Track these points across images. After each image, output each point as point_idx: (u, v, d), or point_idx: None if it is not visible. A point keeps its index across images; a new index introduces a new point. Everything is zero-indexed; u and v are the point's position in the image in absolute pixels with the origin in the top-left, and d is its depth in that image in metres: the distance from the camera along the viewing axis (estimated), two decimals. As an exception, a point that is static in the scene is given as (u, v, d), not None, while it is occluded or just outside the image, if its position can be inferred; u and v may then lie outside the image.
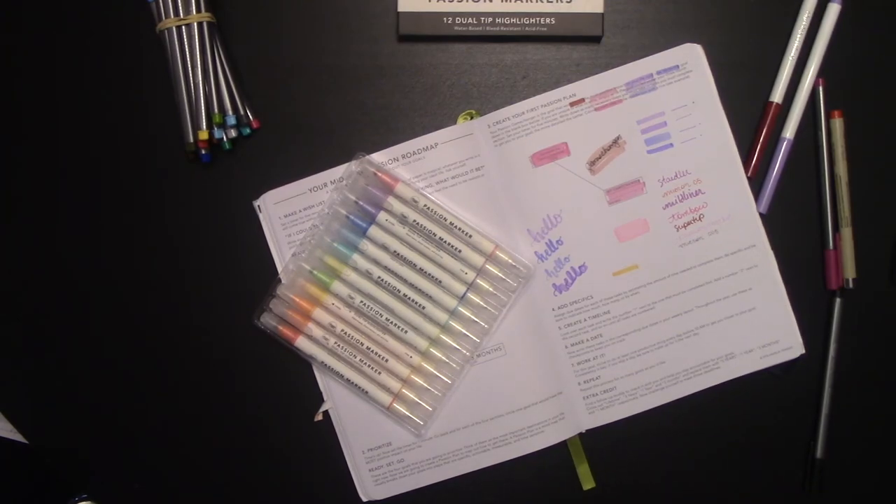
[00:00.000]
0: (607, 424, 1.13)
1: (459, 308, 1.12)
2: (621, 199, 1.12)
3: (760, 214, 1.12)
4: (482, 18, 1.13)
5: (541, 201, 1.12)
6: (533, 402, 1.13)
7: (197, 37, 1.11)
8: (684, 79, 1.11)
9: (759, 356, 1.13)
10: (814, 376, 1.15)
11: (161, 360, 1.16)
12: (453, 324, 1.13)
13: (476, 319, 1.13)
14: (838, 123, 1.13)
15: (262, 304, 1.13)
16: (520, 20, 1.13)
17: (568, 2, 1.13)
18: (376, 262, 1.12)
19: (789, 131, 1.14)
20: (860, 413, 1.15)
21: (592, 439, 1.14)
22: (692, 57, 1.12)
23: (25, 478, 1.20)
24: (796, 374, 1.14)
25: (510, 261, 1.12)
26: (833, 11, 1.14)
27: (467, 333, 1.13)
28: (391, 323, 1.12)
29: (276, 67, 1.16)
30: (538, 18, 1.13)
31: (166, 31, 1.11)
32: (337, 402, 1.14)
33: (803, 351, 1.12)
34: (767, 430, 1.16)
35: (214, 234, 1.15)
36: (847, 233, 1.14)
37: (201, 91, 1.12)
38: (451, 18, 1.13)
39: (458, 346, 1.13)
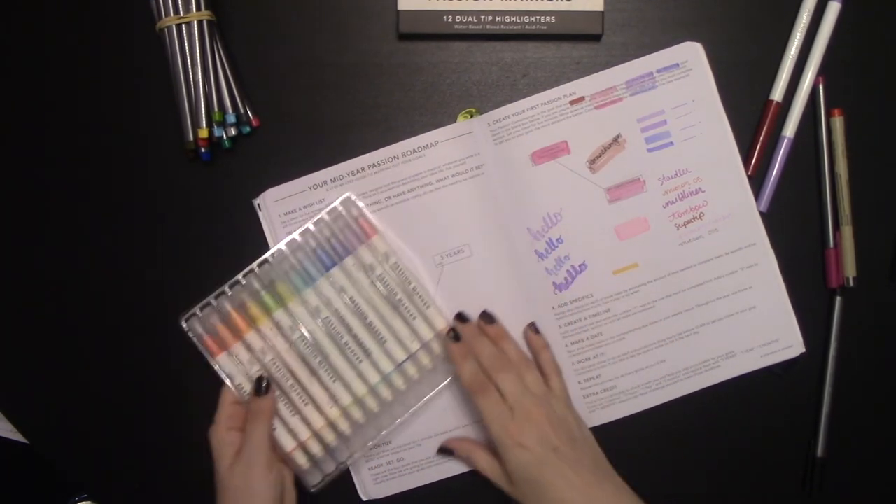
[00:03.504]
0: (607, 423, 1.14)
1: (393, 375, 1.11)
2: (621, 197, 1.12)
3: (761, 213, 1.12)
4: (482, 17, 1.13)
5: (541, 200, 1.12)
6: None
7: (197, 35, 1.11)
8: (684, 77, 1.12)
9: (759, 355, 1.13)
10: (814, 375, 1.15)
11: (161, 360, 1.16)
12: (381, 389, 1.11)
13: (404, 391, 1.12)
14: (838, 122, 1.13)
15: (193, 307, 1.11)
16: (520, 18, 1.13)
17: (568, 0, 1.13)
18: (328, 303, 1.10)
19: (789, 130, 1.14)
20: (860, 412, 1.15)
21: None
22: (692, 55, 1.12)
23: (25, 478, 1.20)
24: (797, 372, 1.14)
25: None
26: (833, 10, 1.14)
27: (387, 405, 1.12)
28: (322, 367, 1.10)
29: (276, 66, 1.16)
30: (538, 17, 1.13)
31: (166, 30, 1.11)
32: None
33: (803, 350, 1.13)
34: (767, 430, 1.16)
35: (214, 232, 1.15)
36: (847, 231, 1.14)
37: (201, 89, 1.12)
38: (451, 17, 1.13)
39: (375, 413, 1.12)
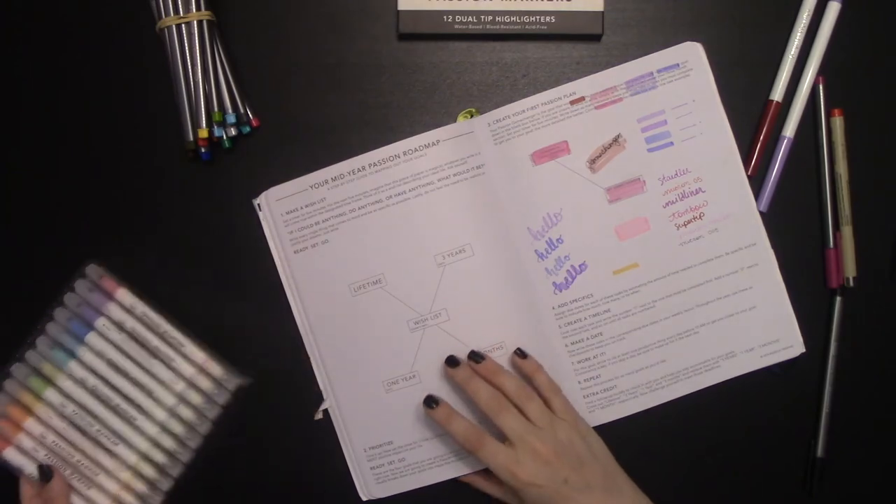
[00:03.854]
0: (607, 423, 1.13)
1: (171, 421, 1.13)
2: (621, 197, 1.11)
3: (761, 213, 1.12)
4: (482, 17, 1.13)
5: (541, 200, 1.12)
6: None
7: (197, 35, 1.11)
8: (685, 77, 1.11)
9: (759, 355, 1.13)
10: (814, 375, 1.15)
11: (161, 359, 1.16)
12: (163, 439, 1.13)
13: (186, 432, 1.13)
14: (838, 122, 1.13)
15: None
16: (520, 18, 1.13)
17: (568, 0, 1.13)
18: (92, 371, 1.12)
19: (789, 130, 1.14)
20: (860, 412, 1.15)
21: (592, 438, 1.14)
22: (693, 55, 1.12)
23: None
24: (797, 372, 1.14)
25: (221, 373, 1.14)
26: (833, 10, 1.14)
27: (174, 452, 1.14)
28: (101, 434, 1.12)
29: (276, 65, 1.16)
30: (538, 17, 1.13)
31: (166, 30, 1.11)
32: (337, 400, 1.14)
33: (804, 349, 1.12)
34: (767, 430, 1.16)
35: (214, 232, 1.15)
36: (847, 231, 1.14)
37: (201, 89, 1.12)
38: (451, 17, 1.13)
39: (167, 466, 1.14)
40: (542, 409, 1.07)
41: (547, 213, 1.11)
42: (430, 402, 1.09)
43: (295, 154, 1.15)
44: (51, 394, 1.11)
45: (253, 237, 1.14)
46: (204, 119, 1.12)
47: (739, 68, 1.14)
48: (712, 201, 1.11)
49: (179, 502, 1.16)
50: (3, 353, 1.13)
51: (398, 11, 1.14)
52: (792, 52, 1.14)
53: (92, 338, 1.11)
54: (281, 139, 1.16)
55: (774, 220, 1.12)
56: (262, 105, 1.16)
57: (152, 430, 1.12)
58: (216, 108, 1.12)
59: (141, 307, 1.12)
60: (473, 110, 1.14)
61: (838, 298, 1.14)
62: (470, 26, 1.14)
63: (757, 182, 1.14)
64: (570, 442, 1.05)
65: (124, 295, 1.12)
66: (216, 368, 1.13)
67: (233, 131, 1.14)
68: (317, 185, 1.12)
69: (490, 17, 1.13)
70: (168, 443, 1.12)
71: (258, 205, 1.13)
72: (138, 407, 1.12)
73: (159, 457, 1.13)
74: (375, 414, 1.15)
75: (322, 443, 1.15)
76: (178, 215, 1.16)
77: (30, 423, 1.11)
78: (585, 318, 1.12)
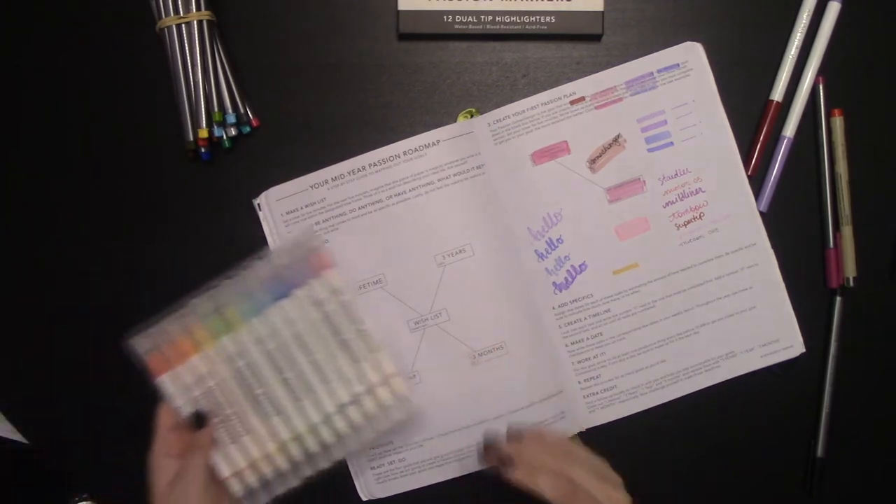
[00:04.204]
0: (607, 423, 1.14)
1: (335, 417, 1.09)
2: (621, 197, 1.12)
3: (761, 213, 1.12)
4: (482, 17, 1.13)
5: (541, 199, 1.12)
6: (533, 402, 1.13)
7: (197, 35, 1.11)
8: (685, 77, 1.12)
9: (759, 355, 1.13)
10: (814, 375, 1.15)
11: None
12: (322, 430, 1.09)
13: (344, 435, 1.10)
14: (838, 122, 1.13)
15: (142, 324, 1.08)
16: (520, 18, 1.13)
17: (568, 0, 1.13)
18: (275, 334, 1.08)
19: (789, 130, 1.14)
20: (860, 412, 1.15)
21: (592, 438, 1.14)
22: (693, 55, 1.12)
23: (25, 478, 1.20)
24: (797, 372, 1.14)
25: (404, 392, 1.10)
26: (833, 10, 1.14)
27: (327, 445, 1.10)
28: (263, 398, 1.08)
29: (276, 66, 1.16)
30: (538, 17, 1.13)
31: (166, 30, 1.11)
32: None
33: (804, 350, 1.13)
34: (767, 430, 1.16)
35: (214, 232, 1.15)
36: (847, 231, 1.14)
37: (201, 89, 1.12)
38: (451, 17, 1.13)
39: (313, 455, 1.09)
40: (587, 461, 1.04)
41: (547, 213, 1.12)
42: (507, 463, 1.02)
43: (295, 154, 1.15)
44: (227, 340, 1.07)
45: (253, 237, 1.14)
46: (204, 119, 1.12)
47: (739, 68, 1.14)
48: (712, 201, 1.12)
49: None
50: (189, 288, 1.11)
51: (398, 11, 1.14)
52: (792, 52, 1.14)
53: (287, 303, 1.08)
54: (281, 139, 1.16)
55: (774, 220, 1.13)
56: (262, 105, 1.16)
57: (315, 416, 1.08)
58: (216, 108, 1.12)
59: (348, 296, 1.08)
60: (473, 110, 1.14)
61: (838, 298, 1.14)
62: (470, 26, 1.14)
63: (757, 182, 1.14)
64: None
65: (334, 276, 1.09)
66: (400, 386, 1.10)
67: (233, 131, 1.14)
68: (317, 185, 1.12)
69: (490, 17, 1.13)
70: (326, 435, 1.09)
71: (258, 205, 1.13)
72: (309, 389, 1.08)
73: (311, 444, 1.09)
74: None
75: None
76: (178, 215, 1.16)
77: (196, 360, 1.07)
78: (585, 318, 1.13)
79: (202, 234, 1.16)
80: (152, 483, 1.03)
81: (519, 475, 1.01)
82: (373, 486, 1.15)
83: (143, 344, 1.07)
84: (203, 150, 1.13)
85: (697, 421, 1.15)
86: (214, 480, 1.05)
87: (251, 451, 1.08)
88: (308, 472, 1.09)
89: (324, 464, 1.10)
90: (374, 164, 1.11)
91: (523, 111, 1.11)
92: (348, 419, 1.09)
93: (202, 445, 1.05)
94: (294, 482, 1.09)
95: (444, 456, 1.15)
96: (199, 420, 1.06)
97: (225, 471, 1.07)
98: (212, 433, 1.06)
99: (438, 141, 1.11)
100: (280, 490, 1.10)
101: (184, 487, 1.02)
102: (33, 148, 1.16)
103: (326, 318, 1.08)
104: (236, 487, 1.07)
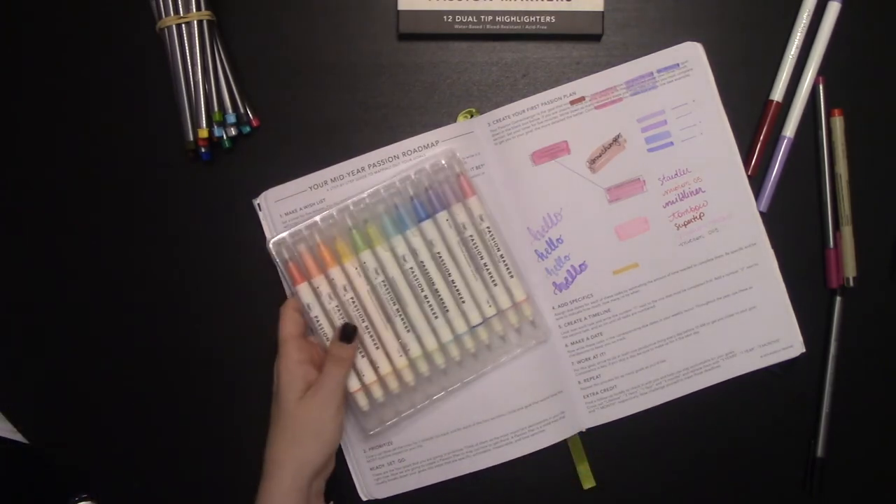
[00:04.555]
0: (607, 423, 1.13)
1: (465, 336, 1.11)
2: (621, 197, 1.12)
3: (761, 213, 1.12)
4: (482, 17, 1.13)
5: (541, 199, 1.12)
6: (533, 402, 1.13)
7: (197, 35, 1.11)
8: (685, 77, 1.12)
9: (759, 355, 1.13)
10: (814, 375, 1.15)
11: (161, 360, 1.16)
12: (451, 348, 1.11)
13: (473, 354, 1.12)
14: (838, 122, 1.13)
15: (285, 232, 1.10)
16: (520, 18, 1.13)
17: (568, 0, 1.13)
18: (415, 253, 1.09)
19: (789, 130, 1.14)
20: (860, 412, 1.16)
21: (593, 438, 1.14)
22: (693, 55, 1.12)
23: (25, 478, 1.20)
24: (797, 372, 1.14)
25: (532, 318, 1.12)
26: (833, 10, 1.14)
27: (457, 363, 1.12)
28: (398, 315, 1.09)
29: (276, 65, 1.16)
30: (538, 17, 1.13)
31: (166, 30, 1.11)
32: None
33: (803, 350, 1.13)
34: (767, 430, 1.16)
35: (214, 232, 1.15)
36: (847, 231, 1.14)
37: (201, 89, 1.12)
38: (451, 17, 1.13)
39: (443, 370, 1.12)
40: None
41: (547, 213, 1.12)
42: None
43: (295, 154, 1.15)
44: (367, 255, 1.09)
45: (253, 237, 1.14)
46: (204, 119, 1.12)
47: (739, 68, 1.14)
48: (712, 201, 1.12)
49: (182, 501, 1.17)
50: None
51: (398, 11, 1.14)
52: (792, 52, 1.14)
53: (428, 225, 1.10)
54: (281, 139, 1.16)
55: (774, 220, 1.12)
56: (263, 105, 1.16)
57: (447, 335, 1.10)
58: (216, 108, 1.12)
59: (488, 222, 1.10)
60: (473, 110, 1.14)
61: (838, 298, 1.14)
62: (470, 26, 1.14)
63: (757, 182, 1.14)
64: None
65: (475, 203, 1.10)
66: (529, 311, 1.12)
67: (233, 131, 1.14)
68: (316, 186, 1.12)
69: (490, 17, 1.13)
70: (455, 353, 1.11)
71: (258, 205, 1.13)
72: (443, 308, 1.10)
73: (441, 361, 1.11)
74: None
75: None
76: (178, 215, 1.16)
77: (335, 272, 1.09)
78: (585, 319, 1.13)
79: (202, 234, 1.16)
80: (283, 389, 1.04)
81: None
82: (372, 486, 1.15)
83: (283, 251, 1.09)
84: (203, 150, 1.13)
85: (697, 421, 1.15)
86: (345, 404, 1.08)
87: (381, 365, 1.10)
88: (435, 392, 1.12)
89: (450, 384, 1.12)
90: (374, 165, 1.11)
91: (523, 111, 1.11)
92: (478, 340, 1.12)
93: (346, 358, 1.06)
94: (420, 401, 1.12)
95: (444, 456, 1.14)
96: (347, 334, 1.06)
97: (353, 385, 1.09)
98: (356, 349, 1.08)
99: (438, 141, 1.11)
100: (404, 408, 1.12)
101: (323, 398, 1.03)
102: (33, 148, 1.16)
103: (464, 242, 1.10)
104: (362, 402, 1.10)
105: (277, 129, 1.16)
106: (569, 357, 1.13)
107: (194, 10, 1.11)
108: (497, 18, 1.13)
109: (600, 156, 1.11)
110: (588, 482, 1.16)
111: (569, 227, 1.12)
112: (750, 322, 1.13)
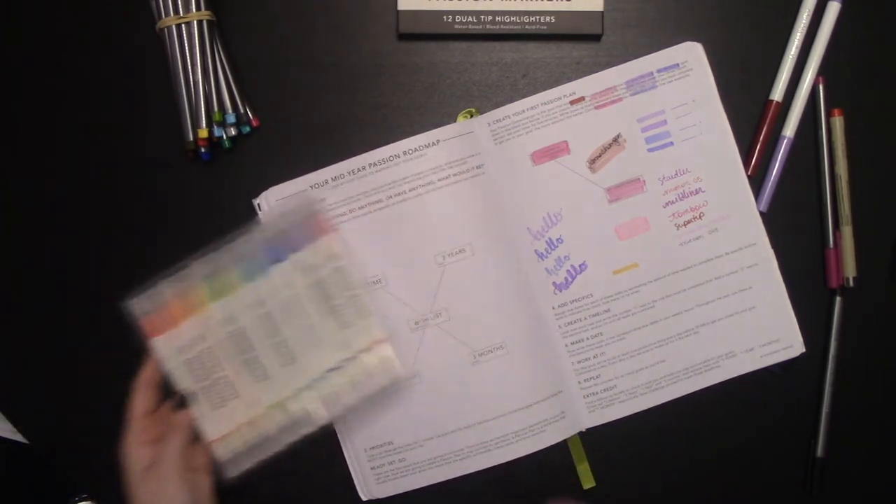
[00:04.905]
0: (607, 423, 1.13)
1: (321, 382, 1.10)
2: (621, 197, 1.11)
3: (761, 213, 1.12)
4: (482, 17, 1.13)
5: (541, 199, 1.12)
6: (533, 402, 1.13)
7: (197, 35, 1.11)
8: (685, 77, 1.11)
9: (759, 355, 1.13)
10: (814, 375, 1.15)
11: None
12: (307, 394, 1.10)
13: (330, 400, 1.11)
14: (838, 122, 1.13)
15: (141, 287, 1.09)
16: (520, 18, 1.13)
17: (568, 0, 1.13)
18: (268, 299, 1.09)
19: (789, 130, 1.14)
20: (861, 412, 1.16)
21: (593, 438, 1.14)
22: (693, 55, 1.12)
23: (25, 478, 1.20)
24: (797, 372, 1.14)
25: (392, 357, 1.11)
26: (833, 10, 1.14)
27: (311, 411, 1.11)
28: (253, 364, 1.09)
29: (276, 65, 1.16)
30: (538, 17, 1.13)
31: (166, 30, 1.12)
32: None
33: (803, 349, 1.12)
34: (767, 430, 1.16)
35: (214, 232, 1.15)
36: (847, 231, 1.14)
37: (201, 89, 1.12)
38: (450, 17, 1.13)
39: (299, 420, 1.11)
40: None
41: (547, 212, 1.11)
42: None
43: (295, 154, 1.15)
44: (221, 304, 1.09)
45: (253, 237, 1.14)
46: (204, 119, 1.12)
47: (739, 68, 1.14)
48: (712, 201, 1.11)
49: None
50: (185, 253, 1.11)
51: (398, 11, 1.14)
52: (792, 52, 1.14)
53: (283, 267, 1.09)
54: (281, 139, 1.16)
55: (774, 220, 1.12)
56: (262, 105, 1.16)
57: (302, 381, 1.10)
58: (216, 108, 1.12)
59: (343, 261, 1.09)
60: (473, 110, 1.14)
61: (838, 298, 1.14)
62: (470, 26, 1.14)
63: (757, 182, 1.14)
64: None
65: (332, 241, 1.10)
66: (388, 351, 1.11)
67: (233, 131, 1.14)
68: (317, 186, 1.12)
69: (490, 17, 1.13)
70: (311, 400, 1.10)
71: (258, 205, 1.13)
72: (298, 354, 1.09)
73: (297, 409, 1.10)
74: (376, 414, 1.14)
75: (323, 443, 1.15)
76: (178, 215, 1.16)
77: (189, 323, 1.08)
78: (585, 318, 1.12)
79: (202, 234, 1.15)
80: (126, 471, 1.04)
81: None
82: (373, 486, 1.15)
83: (138, 307, 1.08)
84: (203, 150, 1.14)
85: (697, 421, 1.15)
86: (191, 465, 1.06)
87: (237, 415, 1.09)
88: (293, 437, 1.10)
89: (309, 429, 1.10)
90: (375, 164, 1.11)
91: (523, 111, 1.11)
92: (334, 384, 1.10)
93: (181, 427, 1.06)
94: (278, 447, 1.10)
95: (444, 456, 1.14)
96: (181, 400, 1.07)
97: (211, 435, 1.08)
98: (191, 416, 1.07)
99: (438, 141, 1.11)
100: (264, 455, 1.10)
101: (165, 470, 1.03)
102: (33, 148, 1.16)
103: (319, 283, 1.09)
104: (221, 452, 1.08)
105: (277, 129, 1.16)
106: (569, 357, 1.13)
107: (194, 10, 1.11)
108: (497, 18, 1.13)
109: (600, 156, 1.11)
110: (588, 482, 1.16)
111: (569, 227, 1.12)
112: (750, 322, 1.12)
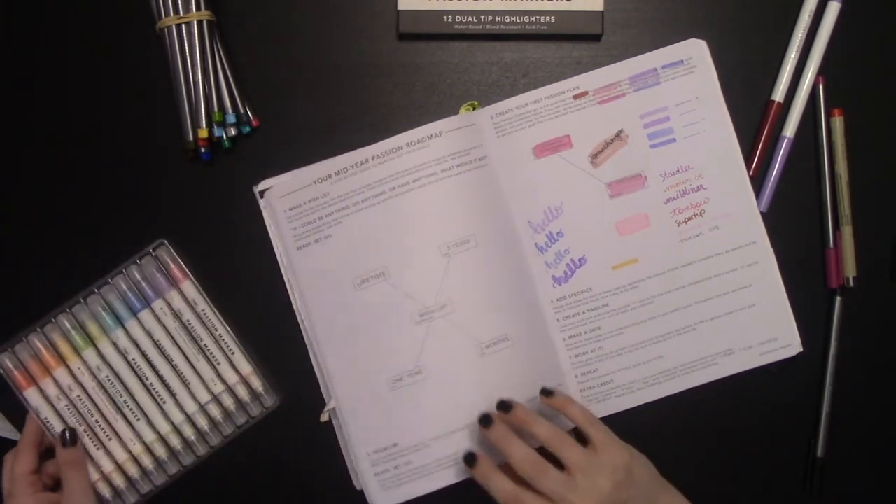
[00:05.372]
0: (603, 418, 1.12)
1: (197, 415, 1.16)
2: (623, 192, 1.12)
3: (761, 213, 1.12)
4: (482, 17, 1.14)
5: (542, 193, 1.12)
6: (533, 396, 1.12)
7: (197, 35, 1.11)
8: (689, 74, 1.12)
9: (757, 353, 1.13)
10: (814, 375, 1.15)
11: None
12: (185, 428, 1.16)
13: (208, 432, 1.16)
14: (839, 122, 1.13)
15: (8, 342, 1.13)
16: (520, 18, 1.14)
17: (568, 0, 1.13)
18: (136, 345, 1.14)
19: (790, 130, 1.14)
20: (860, 412, 1.16)
21: (590, 434, 1.14)
22: (697, 52, 1.12)
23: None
24: (797, 372, 1.14)
25: (261, 389, 1.16)
26: (833, 10, 1.14)
27: (192, 443, 1.16)
28: (126, 406, 1.14)
29: (276, 65, 1.17)
30: (538, 17, 1.14)
31: (166, 30, 1.12)
32: (339, 401, 1.13)
33: (801, 349, 1.13)
34: (767, 429, 1.16)
35: (214, 232, 1.15)
36: (847, 231, 1.14)
37: (201, 89, 1.12)
38: (451, 16, 1.14)
39: (177, 453, 1.16)
40: (578, 453, 1.03)
41: (548, 206, 1.12)
42: (470, 459, 1.06)
43: (295, 154, 1.15)
44: (90, 353, 1.14)
45: (253, 237, 1.14)
46: (204, 119, 1.12)
47: (740, 68, 1.15)
48: (713, 198, 1.12)
49: (182, 501, 1.16)
50: (53, 301, 1.14)
51: (398, 11, 1.14)
52: (792, 53, 1.14)
53: (145, 315, 1.14)
54: (281, 139, 1.16)
55: (774, 220, 1.13)
56: (263, 105, 1.16)
57: (178, 417, 1.14)
58: (216, 108, 1.12)
59: (202, 305, 1.14)
60: (475, 103, 1.14)
61: (838, 298, 1.15)
62: (470, 26, 1.14)
63: (757, 182, 1.14)
64: (612, 484, 1.02)
65: (189, 288, 1.15)
66: (258, 383, 1.16)
67: (233, 131, 1.14)
68: (320, 180, 1.11)
69: (490, 17, 1.14)
70: (188, 433, 1.15)
71: (259, 192, 1.13)
72: (171, 393, 1.15)
73: (176, 442, 1.15)
74: (379, 414, 1.13)
75: (326, 446, 1.14)
76: (178, 215, 1.16)
77: (60, 373, 1.13)
78: (584, 313, 1.12)
79: (202, 234, 1.15)
80: None
81: (493, 436, 1.06)
82: (377, 493, 1.14)
83: (6, 361, 1.13)
84: (203, 150, 1.13)
85: (695, 418, 1.15)
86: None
87: (116, 454, 1.15)
88: (174, 469, 1.16)
89: (188, 460, 1.16)
90: (377, 157, 1.11)
91: (526, 104, 1.11)
92: (209, 417, 1.16)
93: (77, 460, 1.11)
94: (161, 480, 1.15)
95: (453, 456, 1.13)
96: (65, 438, 1.11)
97: (93, 475, 1.14)
98: (83, 447, 1.13)
99: (441, 132, 1.11)
100: (148, 489, 1.15)
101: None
102: (33, 147, 1.16)
103: (184, 326, 1.14)
104: (104, 490, 1.15)
105: (277, 129, 1.16)
106: (566, 351, 1.13)
107: (194, 10, 1.11)
108: (497, 18, 1.14)
109: (602, 151, 1.11)
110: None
111: (569, 222, 1.12)
112: (748, 320, 1.13)
